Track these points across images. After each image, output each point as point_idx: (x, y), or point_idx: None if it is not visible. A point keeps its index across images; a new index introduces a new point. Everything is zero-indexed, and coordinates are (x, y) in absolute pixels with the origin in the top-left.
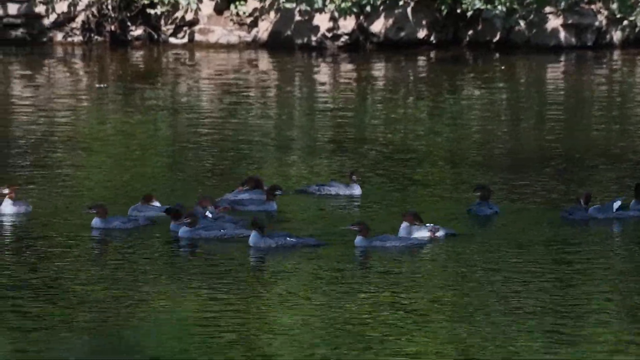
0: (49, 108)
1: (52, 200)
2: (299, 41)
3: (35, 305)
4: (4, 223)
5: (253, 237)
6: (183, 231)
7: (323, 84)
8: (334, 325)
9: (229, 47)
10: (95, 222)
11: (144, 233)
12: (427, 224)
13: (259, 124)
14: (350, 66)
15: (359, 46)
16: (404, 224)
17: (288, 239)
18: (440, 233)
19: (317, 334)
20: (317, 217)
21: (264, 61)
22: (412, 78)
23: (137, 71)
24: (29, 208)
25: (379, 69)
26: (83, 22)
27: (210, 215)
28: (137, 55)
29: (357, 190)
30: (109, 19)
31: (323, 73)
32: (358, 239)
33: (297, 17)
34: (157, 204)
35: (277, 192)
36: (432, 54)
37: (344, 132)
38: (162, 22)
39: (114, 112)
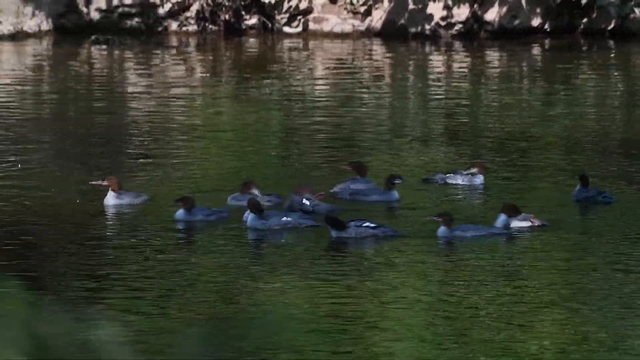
0: (163, 97)
1: (163, 190)
2: (412, 30)
3: (145, 295)
4: (108, 215)
5: (334, 232)
6: (250, 220)
7: (437, 72)
8: (445, 318)
9: (342, 36)
10: (180, 214)
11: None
12: (525, 214)
13: (372, 113)
14: (464, 55)
15: (473, 34)
16: (502, 216)
17: (370, 230)
18: (537, 223)
19: (428, 325)
20: (435, 206)
21: (378, 50)
22: (526, 66)
23: (251, 60)
24: (136, 199)
25: (492, 58)
26: (197, 11)
27: (308, 203)
28: (251, 44)
29: (479, 180)
30: (223, 8)
31: (436, 62)
32: (440, 230)
33: (411, 6)
34: (256, 192)
35: (396, 181)
36: (546, 42)
37: (458, 121)
38: (276, 11)
39: (228, 101)
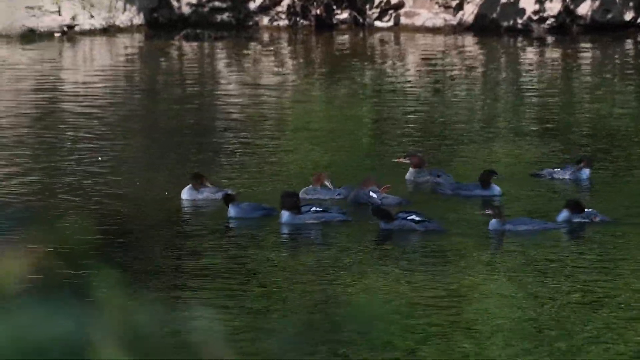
0: (254, 92)
1: (255, 184)
2: (504, 24)
3: (245, 288)
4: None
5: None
6: (285, 218)
7: (529, 66)
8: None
9: (434, 30)
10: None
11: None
12: (587, 210)
13: (464, 107)
14: (556, 49)
15: (565, 29)
16: (564, 212)
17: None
18: (597, 219)
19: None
20: (533, 201)
21: (470, 44)
22: (618, 60)
23: (342, 55)
24: (216, 194)
25: (585, 52)
26: (289, 6)
27: (375, 196)
28: (343, 39)
29: (585, 175)
30: (315, 3)
31: (529, 56)
32: (492, 223)
33: (503, 0)
34: (328, 183)
35: (494, 177)
36: (639, 36)
37: (550, 116)
38: (368, 5)
39: (319, 95)
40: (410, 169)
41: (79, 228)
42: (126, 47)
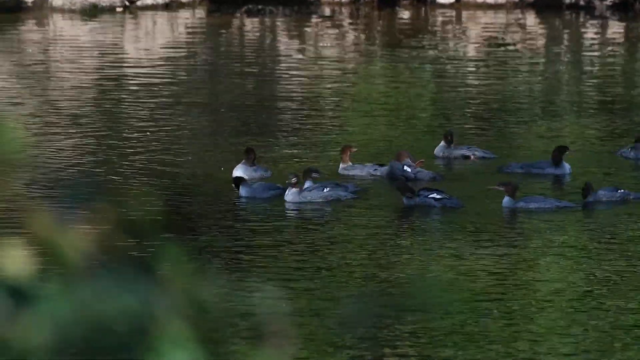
0: (316, 67)
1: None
2: (567, 1)
3: (300, 265)
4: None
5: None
6: (290, 195)
7: (591, 43)
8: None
9: (496, 6)
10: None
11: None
12: (620, 190)
13: (526, 84)
14: (618, 26)
15: (628, 5)
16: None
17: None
18: (632, 196)
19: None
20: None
21: (531, 21)
22: None
23: (404, 31)
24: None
25: None
26: None
27: (409, 170)
28: (405, 15)
29: None
30: None
31: (591, 32)
32: (505, 200)
33: None
34: (408, 162)
35: (566, 153)
36: None
37: (613, 92)
38: None
39: (380, 71)
40: (442, 143)
41: (142, 202)
42: (187, 22)
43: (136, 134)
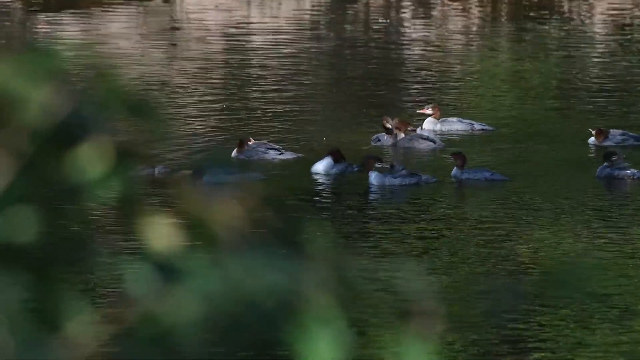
0: (440, 42)
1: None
2: None
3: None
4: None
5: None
6: (375, 178)
7: None
8: None
9: None
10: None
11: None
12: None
13: None
14: None
15: None
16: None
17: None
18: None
19: None
20: None
21: None
22: None
23: (531, 9)
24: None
25: None
26: None
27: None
28: None
29: None
30: None
31: None
32: (454, 170)
33: None
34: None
35: None
36: None
37: None
38: None
39: (505, 50)
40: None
41: (288, 178)
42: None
43: (265, 107)
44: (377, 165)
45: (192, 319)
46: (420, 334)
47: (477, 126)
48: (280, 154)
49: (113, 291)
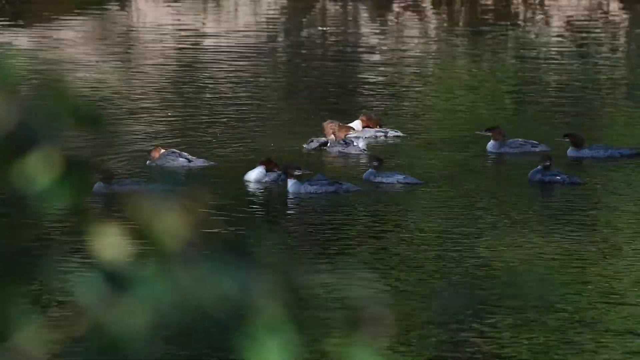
0: (397, 53)
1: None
2: None
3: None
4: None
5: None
6: (292, 186)
7: None
8: None
9: None
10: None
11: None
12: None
13: (606, 71)
14: None
15: None
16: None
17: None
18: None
19: None
20: None
21: (614, 7)
22: None
23: (485, 16)
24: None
25: None
26: None
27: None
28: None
29: None
30: None
31: None
32: (366, 172)
33: None
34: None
35: None
36: None
37: None
38: None
39: (462, 56)
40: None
41: (233, 187)
42: (269, 6)
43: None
44: (296, 172)
45: (141, 327)
46: (368, 340)
47: (391, 133)
48: (189, 162)
49: (63, 301)
